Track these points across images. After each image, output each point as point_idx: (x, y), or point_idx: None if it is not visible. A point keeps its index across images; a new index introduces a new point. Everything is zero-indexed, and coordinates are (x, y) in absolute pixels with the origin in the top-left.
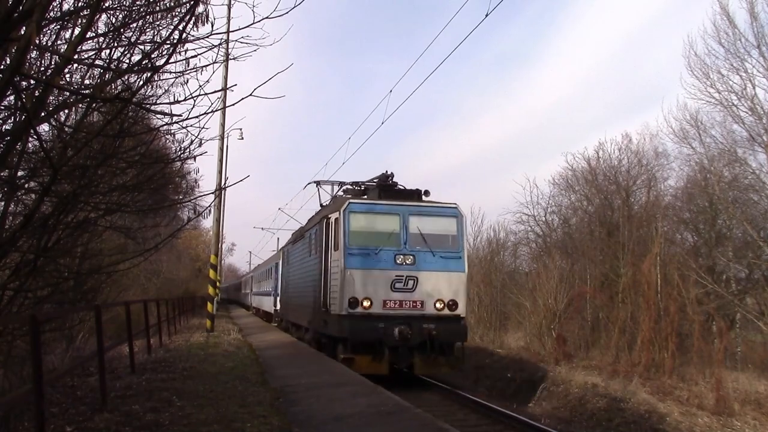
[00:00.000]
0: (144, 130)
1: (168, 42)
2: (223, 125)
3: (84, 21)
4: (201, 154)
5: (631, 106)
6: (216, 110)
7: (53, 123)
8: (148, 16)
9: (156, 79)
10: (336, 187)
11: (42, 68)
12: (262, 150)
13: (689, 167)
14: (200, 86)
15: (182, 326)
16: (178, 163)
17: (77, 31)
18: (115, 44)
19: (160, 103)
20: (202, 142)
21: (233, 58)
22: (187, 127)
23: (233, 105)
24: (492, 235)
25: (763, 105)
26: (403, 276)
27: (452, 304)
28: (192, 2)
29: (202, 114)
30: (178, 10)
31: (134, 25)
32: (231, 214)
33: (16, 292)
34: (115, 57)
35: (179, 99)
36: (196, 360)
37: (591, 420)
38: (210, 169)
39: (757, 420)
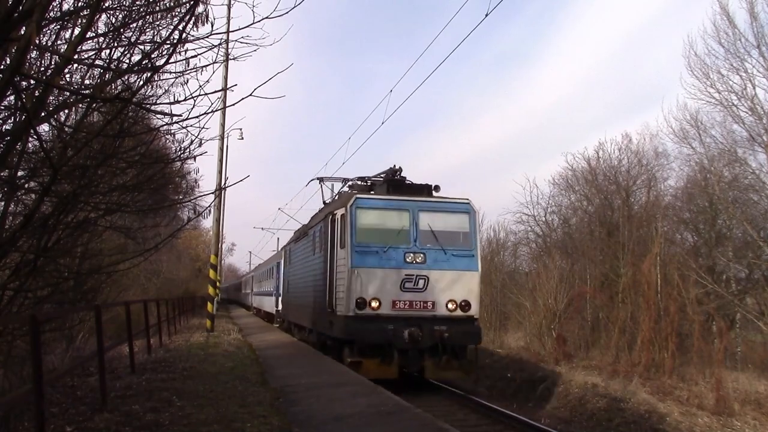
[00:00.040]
0: (144, 130)
1: (168, 42)
2: (223, 125)
3: (84, 21)
4: (201, 154)
5: (631, 106)
6: (216, 110)
7: (53, 123)
8: (148, 16)
9: (156, 79)
10: (340, 184)
11: (42, 68)
12: (262, 150)
13: (689, 167)
14: (200, 86)
15: (182, 326)
16: (178, 163)
17: (77, 31)
18: (115, 44)
19: (160, 103)
20: (202, 142)
21: (233, 58)
22: (187, 127)
23: (233, 105)
24: (492, 235)
25: (763, 105)
26: (413, 275)
27: (465, 305)
28: (192, 2)
29: (202, 114)
30: (178, 10)
31: (134, 25)
32: (231, 214)
33: (16, 292)
34: (115, 57)
35: (179, 99)
36: (196, 360)
37: (591, 420)
38: (210, 169)
39: (757, 420)
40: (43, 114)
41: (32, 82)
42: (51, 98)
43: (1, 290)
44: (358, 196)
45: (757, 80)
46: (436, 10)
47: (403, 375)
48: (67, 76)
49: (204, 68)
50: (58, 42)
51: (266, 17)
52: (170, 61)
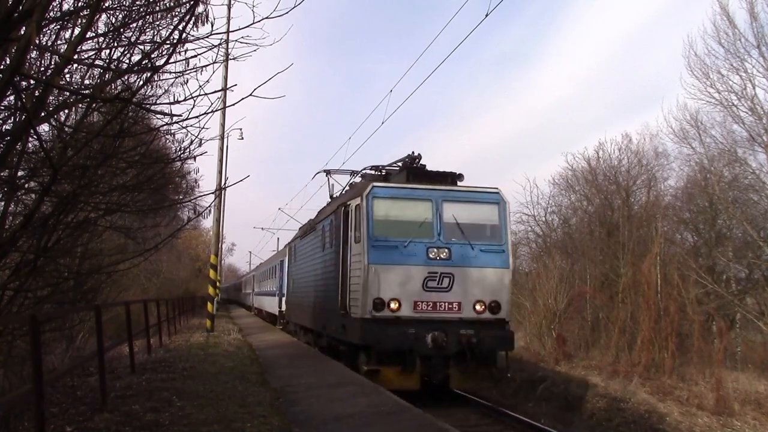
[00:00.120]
0: (144, 130)
1: (168, 42)
2: (223, 125)
3: (84, 21)
4: (201, 154)
5: (631, 106)
6: (216, 110)
7: (53, 123)
8: (148, 16)
9: (156, 79)
10: (348, 177)
11: (42, 68)
12: (262, 150)
13: (689, 167)
14: (200, 86)
15: (182, 326)
16: (178, 163)
17: (77, 31)
18: (115, 44)
19: (160, 103)
20: (202, 142)
21: (233, 58)
22: (187, 127)
23: (233, 105)
24: None
25: (763, 105)
26: (437, 273)
27: (494, 306)
28: (192, 2)
29: (202, 114)
30: (178, 10)
31: (134, 25)
32: (231, 214)
33: (16, 292)
34: (115, 57)
35: (179, 99)
36: (196, 360)
37: (591, 420)
38: (210, 169)
39: (757, 420)
40: (43, 114)
41: (32, 82)
42: (51, 98)
43: (1, 290)
44: (375, 184)
45: (757, 80)
46: (436, 10)
47: (424, 385)
48: (67, 76)
49: (204, 68)
50: (58, 42)
51: (266, 17)
52: (170, 61)
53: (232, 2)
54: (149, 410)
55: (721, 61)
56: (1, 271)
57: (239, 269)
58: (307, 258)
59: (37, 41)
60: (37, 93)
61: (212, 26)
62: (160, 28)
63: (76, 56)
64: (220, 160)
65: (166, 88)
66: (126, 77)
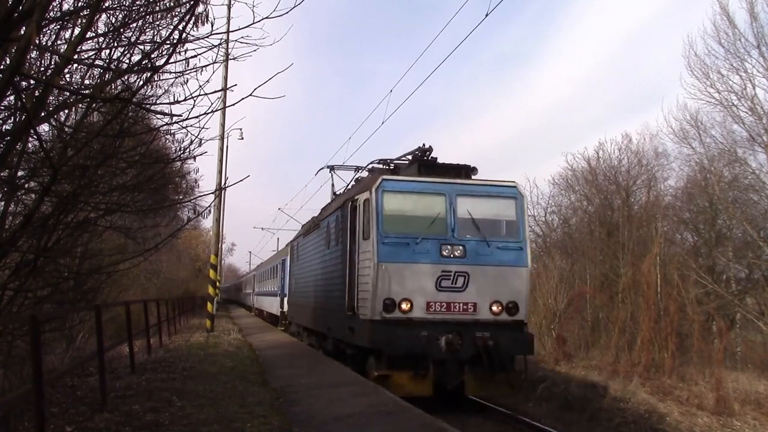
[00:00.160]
0: (144, 130)
1: (168, 42)
2: (223, 125)
3: (84, 21)
4: (201, 154)
5: (631, 106)
6: (216, 110)
7: (53, 123)
8: (148, 16)
9: (156, 79)
10: (353, 173)
11: (42, 68)
12: (262, 150)
13: (689, 167)
14: (200, 86)
15: (182, 326)
16: (178, 163)
17: (77, 31)
18: (115, 44)
19: (160, 103)
20: (202, 142)
21: (233, 58)
22: (187, 127)
23: (233, 105)
24: None
25: (763, 105)
26: (451, 272)
27: (512, 307)
28: (192, 2)
29: (202, 114)
30: (178, 10)
31: (134, 25)
32: (231, 214)
33: (16, 292)
34: (115, 57)
35: (179, 99)
36: (196, 360)
37: (591, 420)
38: (210, 169)
39: (757, 420)
40: (43, 114)
41: (32, 82)
42: (51, 98)
43: (1, 290)
44: (385, 177)
45: (757, 80)
46: (436, 10)
47: (437, 391)
48: (67, 76)
49: (204, 68)
50: (58, 42)
51: (266, 17)
52: (170, 61)
53: (232, 2)
54: (149, 410)
55: (721, 61)
56: (1, 271)
57: (239, 269)
58: (310, 256)
59: (37, 41)
60: (37, 93)
61: (212, 26)
62: (160, 28)
63: (76, 56)
64: (220, 160)
65: (166, 88)
66: (126, 77)
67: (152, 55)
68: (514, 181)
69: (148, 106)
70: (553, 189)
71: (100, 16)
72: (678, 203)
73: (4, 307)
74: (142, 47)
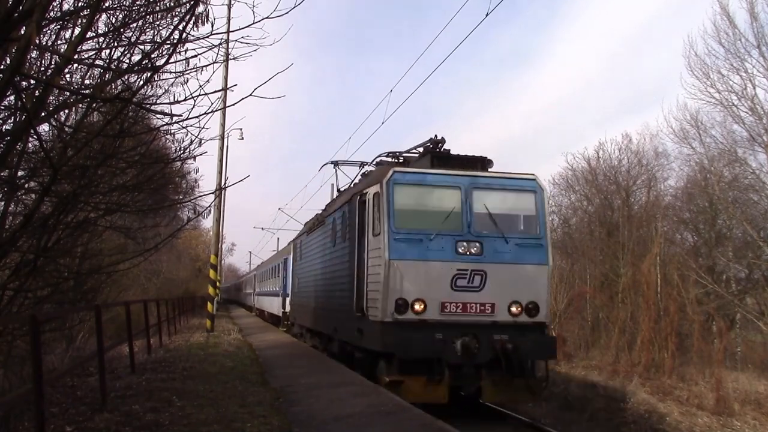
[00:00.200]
0: (144, 130)
1: (168, 42)
2: (223, 125)
3: (84, 21)
4: (201, 154)
5: (631, 106)
6: (216, 110)
7: (53, 123)
8: (148, 16)
9: (156, 79)
10: (357, 169)
11: (42, 68)
12: (262, 150)
13: (689, 167)
14: (200, 86)
15: (182, 326)
16: (178, 163)
17: (77, 31)
18: (115, 44)
19: (160, 103)
20: (202, 142)
21: (233, 58)
22: (187, 127)
23: (233, 105)
24: None
25: (763, 105)
26: (467, 270)
27: (532, 308)
28: (192, 2)
29: (202, 114)
30: (178, 10)
31: (134, 25)
32: (231, 214)
33: (16, 292)
34: (115, 57)
35: (179, 99)
36: (196, 360)
37: (591, 420)
38: (210, 169)
39: (757, 420)
40: (43, 114)
41: (32, 82)
42: (51, 98)
43: (1, 290)
44: (396, 169)
45: (757, 80)
46: (436, 9)
47: (452, 397)
48: (67, 76)
49: (204, 68)
50: (58, 42)
51: (266, 17)
52: (170, 61)
53: (232, 2)
54: (149, 410)
55: (721, 61)
56: (1, 271)
57: (239, 269)
58: (315, 255)
59: (37, 41)
60: (37, 93)
61: (212, 26)
62: (160, 28)
63: (76, 56)
64: (220, 160)
65: (166, 88)
66: (126, 77)
67: (152, 55)
68: (533, 174)
69: (148, 106)
70: (553, 189)
71: (100, 16)
72: (678, 203)
73: (4, 307)
74: (142, 47)
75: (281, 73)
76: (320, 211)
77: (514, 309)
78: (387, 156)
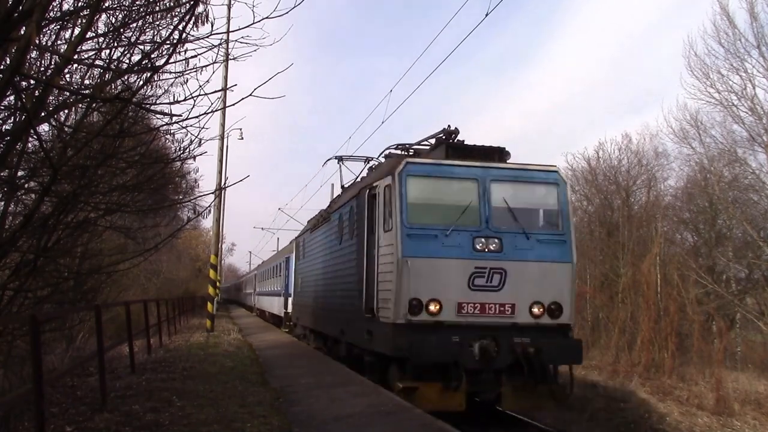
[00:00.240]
0: (144, 130)
1: (168, 42)
2: (223, 125)
3: (84, 21)
4: (201, 154)
5: (631, 106)
6: (216, 110)
7: (53, 123)
8: (148, 16)
9: (156, 79)
10: (362, 164)
11: (42, 68)
12: (262, 150)
13: (689, 167)
14: (200, 86)
15: (182, 326)
16: (178, 163)
17: (77, 31)
18: (115, 44)
19: (160, 103)
20: (202, 142)
21: (233, 58)
22: (187, 127)
23: (233, 105)
24: None
25: (763, 105)
26: (485, 268)
27: (555, 309)
28: (192, 2)
29: (202, 114)
30: (178, 10)
31: (134, 25)
32: (231, 214)
33: (16, 292)
34: (115, 57)
35: (179, 99)
36: (196, 360)
37: (591, 420)
38: (210, 169)
39: (757, 420)
40: (43, 114)
41: (32, 82)
42: (51, 98)
43: (1, 290)
44: (410, 160)
45: (757, 80)
46: (436, 9)
47: (469, 404)
48: (67, 76)
49: (204, 68)
50: (58, 42)
51: (266, 17)
52: (170, 61)
53: (232, 2)
54: (149, 410)
55: (721, 61)
56: (1, 271)
57: (239, 269)
58: (319, 253)
59: (37, 41)
60: (37, 93)
61: (212, 26)
62: (160, 28)
63: (76, 56)
64: (220, 160)
65: (166, 88)
66: (126, 77)
67: (152, 55)
68: (555, 165)
69: (148, 106)
70: None
71: (100, 16)
72: (678, 203)
73: (4, 307)
74: (142, 47)
75: (281, 73)
76: (325, 208)
77: (535, 310)
78: (396, 148)
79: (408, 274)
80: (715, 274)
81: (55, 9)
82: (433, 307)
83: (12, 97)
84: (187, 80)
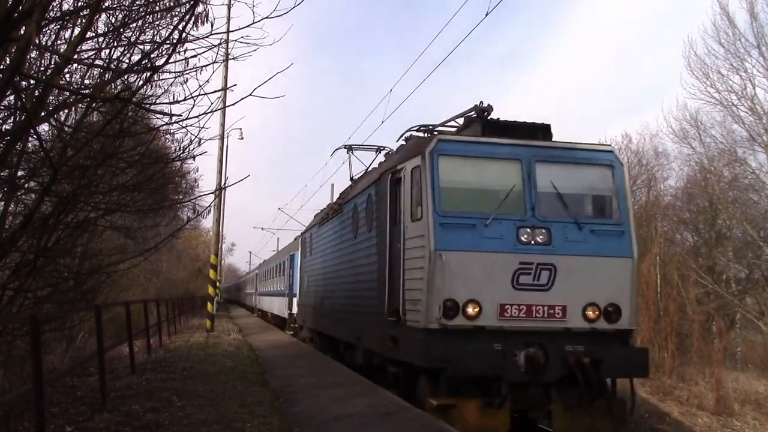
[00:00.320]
0: (144, 130)
1: (168, 42)
2: (223, 125)
3: (84, 21)
4: (201, 154)
5: (631, 106)
6: (216, 110)
7: (53, 123)
8: (148, 16)
9: (156, 79)
10: (374, 154)
11: (42, 68)
12: (262, 150)
13: (689, 167)
14: (200, 86)
15: (182, 326)
16: (178, 163)
17: (77, 31)
18: (115, 44)
19: (160, 103)
20: (202, 141)
21: (233, 58)
22: (186, 126)
23: (233, 105)
24: None
25: (763, 105)
26: (531, 264)
27: (612, 312)
28: (192, 2)
29: (202, 114)
30: (178, 10)
31: (134, 25)
32: (231, 214)
33: (16, 292)
34: (115, 57)
35: (179, 99)
36: (196, 360)
37: None
38: (210, 169)
39: (757, 420)
40: (43, 114)
41: (32, 82)
42: (51, 98)
43: (1, 290)
44: (442, 137)
45: (757, 80)
46: (436, 9)
47: (513, 424)
48: (67, 76)
49: (204, 68)
50: (58, 42)
51: (266, 17)
52: (170, 61)
53: (232, 2)
54: (149, 410)
55: (721, 61)
56: (1, 271)
57: (239, 269)
58: (329, 248)
59: (37, 41)
60: (37, 93)
61: (212, 26)
62: (160, 28)
63: (76, 56)
64: (220, 160)
65: (166, 87)
66: (126, 77)
67: (152, 55)
68: (610, 145)
69: (147, 105)
70: None
71: (100, 16)
72: (678, 203)
73: (4, 307)
74: (142, 47)
75: (281, 73)
76: (334, 201)
77: (590, 313)
78: (418, 130)
79: (442, 270)
80: (715, 274)
81: (55, 9)
82: (471, 310)
83: (12, 97)
84: (186, 80)
